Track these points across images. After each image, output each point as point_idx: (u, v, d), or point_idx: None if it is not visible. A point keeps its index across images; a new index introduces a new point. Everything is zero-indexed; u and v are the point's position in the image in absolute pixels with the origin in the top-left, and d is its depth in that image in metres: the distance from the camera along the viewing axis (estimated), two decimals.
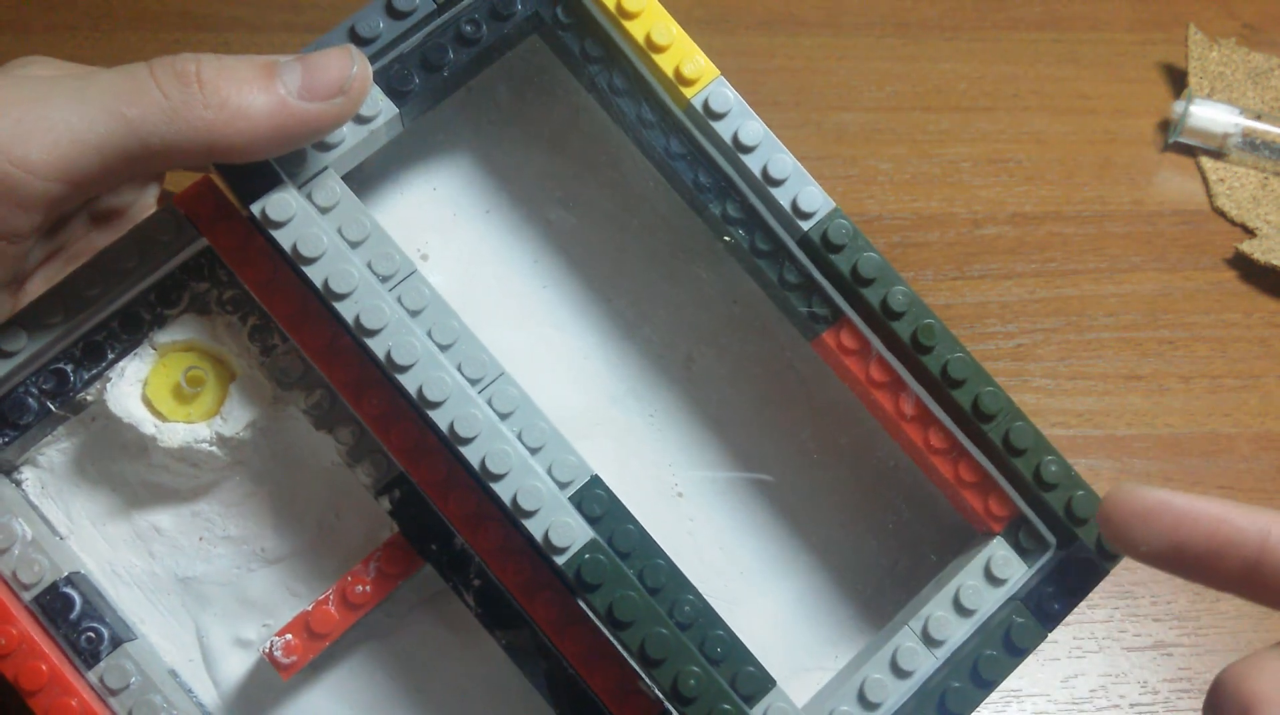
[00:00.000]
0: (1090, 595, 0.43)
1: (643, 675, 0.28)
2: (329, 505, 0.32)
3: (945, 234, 0.53)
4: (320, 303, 0.30)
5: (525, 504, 0.28)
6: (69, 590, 0.28)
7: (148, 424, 0.30)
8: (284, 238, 0.29)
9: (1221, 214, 0.55)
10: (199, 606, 0.31)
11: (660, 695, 0.28)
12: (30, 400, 0.29)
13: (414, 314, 0.29)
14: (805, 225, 0.31)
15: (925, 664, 0.28)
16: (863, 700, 0.28)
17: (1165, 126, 0.58)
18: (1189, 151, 0.57)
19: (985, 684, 0.28)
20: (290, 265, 0.30)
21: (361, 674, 0.31)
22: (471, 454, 0.28)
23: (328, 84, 0.28)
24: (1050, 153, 0.56)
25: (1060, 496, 0.30)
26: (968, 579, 0.29)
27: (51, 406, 0.29)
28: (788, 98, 0.55)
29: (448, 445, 0.30)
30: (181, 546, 0.31)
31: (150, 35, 0.53)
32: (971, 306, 0.51)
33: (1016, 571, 0.30)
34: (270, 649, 0.29)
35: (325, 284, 0.29)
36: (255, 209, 0.29)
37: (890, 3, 0.59)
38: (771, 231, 0.32)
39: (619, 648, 0.28)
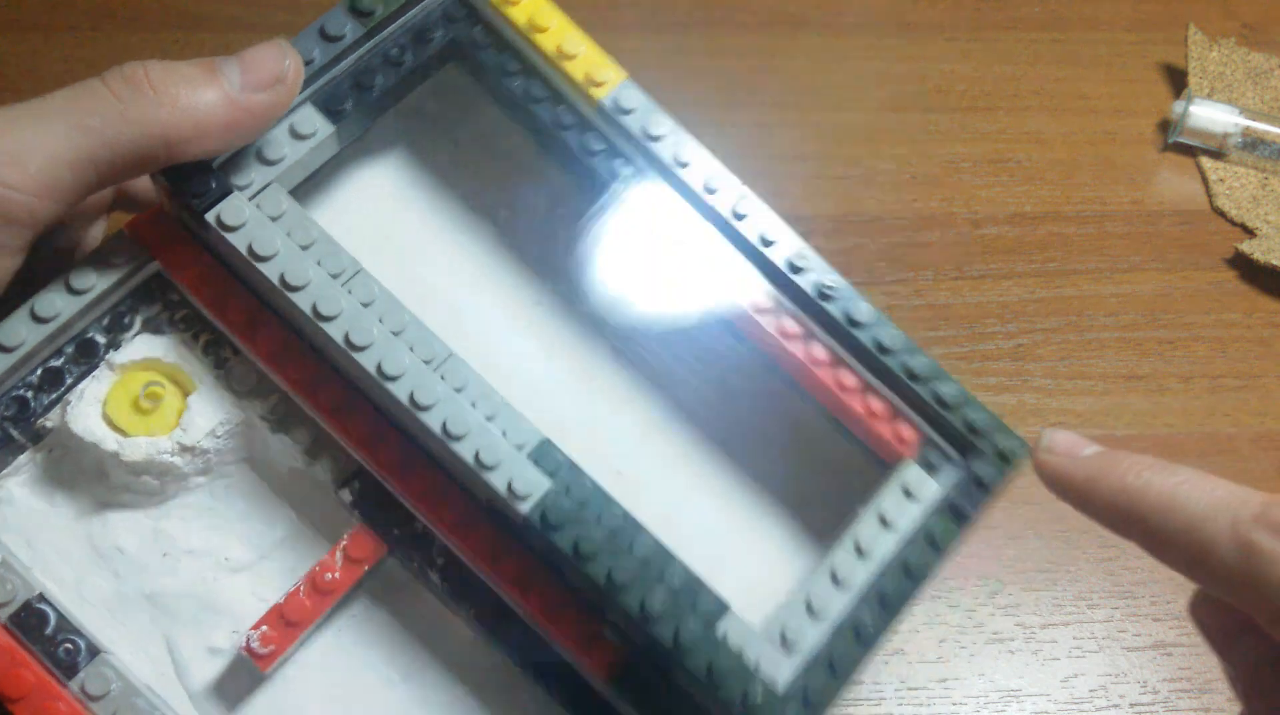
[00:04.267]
0: (1090, 595, 0.43)
1: (608, 615, 0.30)
2: (291, 509, 0.33)
3: (945, 234, 0.53)
4: (269, 310, 0.32)
5: (487, 460, 0.30)
6: (43, 606, 0.29)
7: (109, 441, 0.31)
8: (239, 239, 0.30)
9: (1221, 214, 0.55)
10: (168, 621, 0.31)
11: (624, 630, 0.30)
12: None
13: (365, 306, 0.31)
14: (714, 202, 0.34)
15: (861, 573, 0.31)
16: (810, 611, 0.30)
17: (1165, 126, 0.58)
18: (1189, 151, 0.57)
19: (915, 577, 0.31)
20: (239, 276, 0.32)
21: (338, 661, 0.32)
22: (432, 419, 0.30)
23: (266, 76, 0.30)
24: (1050, 153, 0.56)
25: (958, 416, 0.33)
26: (887, 499, 0.32)
27: (14, 433, 0.31)
28: (788, 98, 0.55)
29: (402, 428, 0.31)
30: (146, 565, 0.31)
31: (150, 35, 0.53)
32: (971, 306, 0.51)
33: (929, 487, 0.32)
34: (247, 642, 0.30)
35: (281, 278, 0.30)
36: (211, 216, 0.31)
37: (890, 3, 0.60)
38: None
39: (586, 581, 0.29)
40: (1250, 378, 0.50)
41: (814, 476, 0.35)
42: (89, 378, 0.31)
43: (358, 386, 0.31)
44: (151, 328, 0.32)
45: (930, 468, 0.33)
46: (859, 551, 0.31)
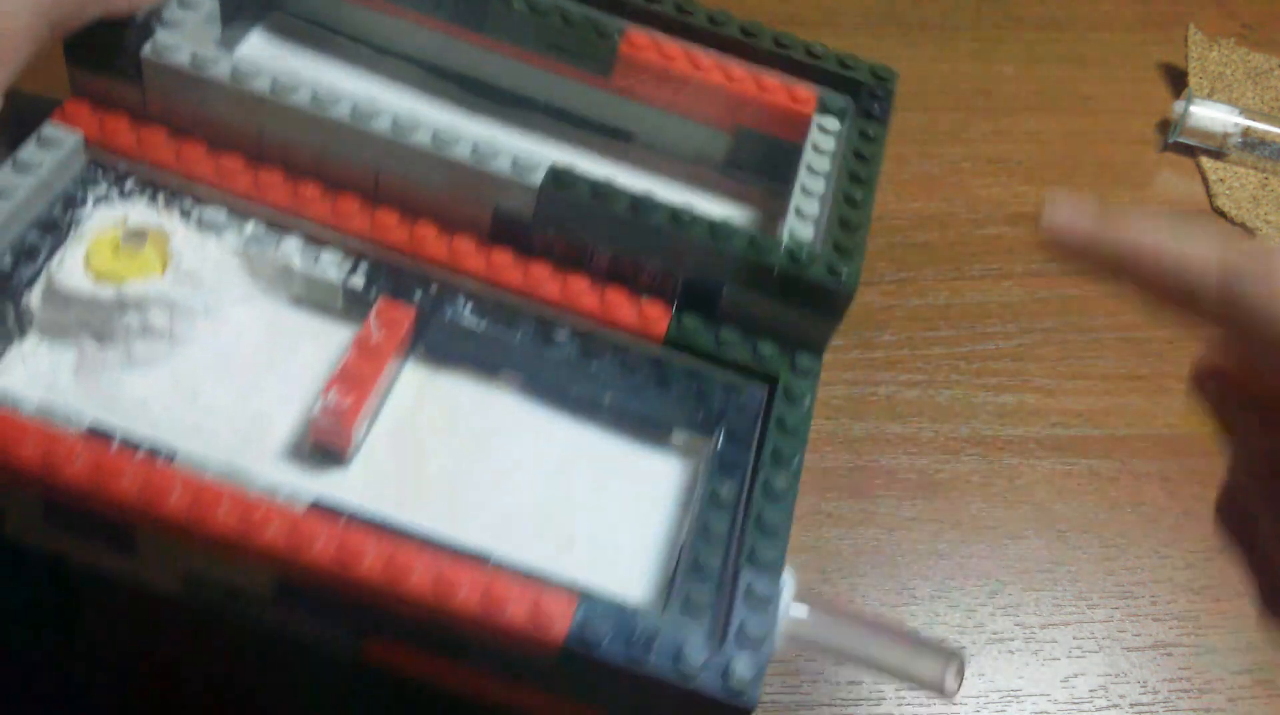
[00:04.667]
0: (1090, 595, 0.43)
1: (644, 250, 0.32)
2: (303, 326, 0.33)
3: (945, 234, 0.53)
4: (216, 146, 0.33)
5: (485, 149, 0.32)
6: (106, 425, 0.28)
7: (106, 291, 0.31)
8: (199, 68, 0.32)
9: (1221, 214, 0.55)
10: (221, 445, 0.30)
11: (661, 227, 0.32)
12: None
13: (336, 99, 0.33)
14: None
15: (820, 184, 0.36)
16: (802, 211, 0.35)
17: (1165, 126, 0.58)
18: (1189, 151, 0.57)
19: (871, 162, 0.36)
20: (177, 124, 0.33)
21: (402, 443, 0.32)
22: (461, 151, 0.31)
23: None
24: (1050, 153, 0.56)
25: (830, 60, 0.38)
26: (810, 149, 0.36)
27: (3, 305, 0.30)
28: None
29: (393, 196, 0.33)
30: (176, 409, 0.31)
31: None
32: (971, 306, 0.51)
33: (838, 126, 0.37)
34: (323, 406, 0.29)
35: (274, 82, 0.32)
36: (151, 51, 0.32)
37: (890, 3, 0.60)
38: None
39: (611, 213, 0.31)
40: None
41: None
42: (60, 249, 0.31)
43: (338, 182, 0.33)
44: (105, 203, 0.33)
45: (840, 113, 0.38)
46: (806, 192, 0.35)
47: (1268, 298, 0.23)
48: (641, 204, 0.32)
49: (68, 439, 0.26)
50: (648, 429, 0.33)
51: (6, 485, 0.27)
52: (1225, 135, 0.56)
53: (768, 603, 0.27)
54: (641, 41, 0.37)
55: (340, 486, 0.30)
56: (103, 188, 0.33)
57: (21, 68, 0.30)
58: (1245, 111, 0.56)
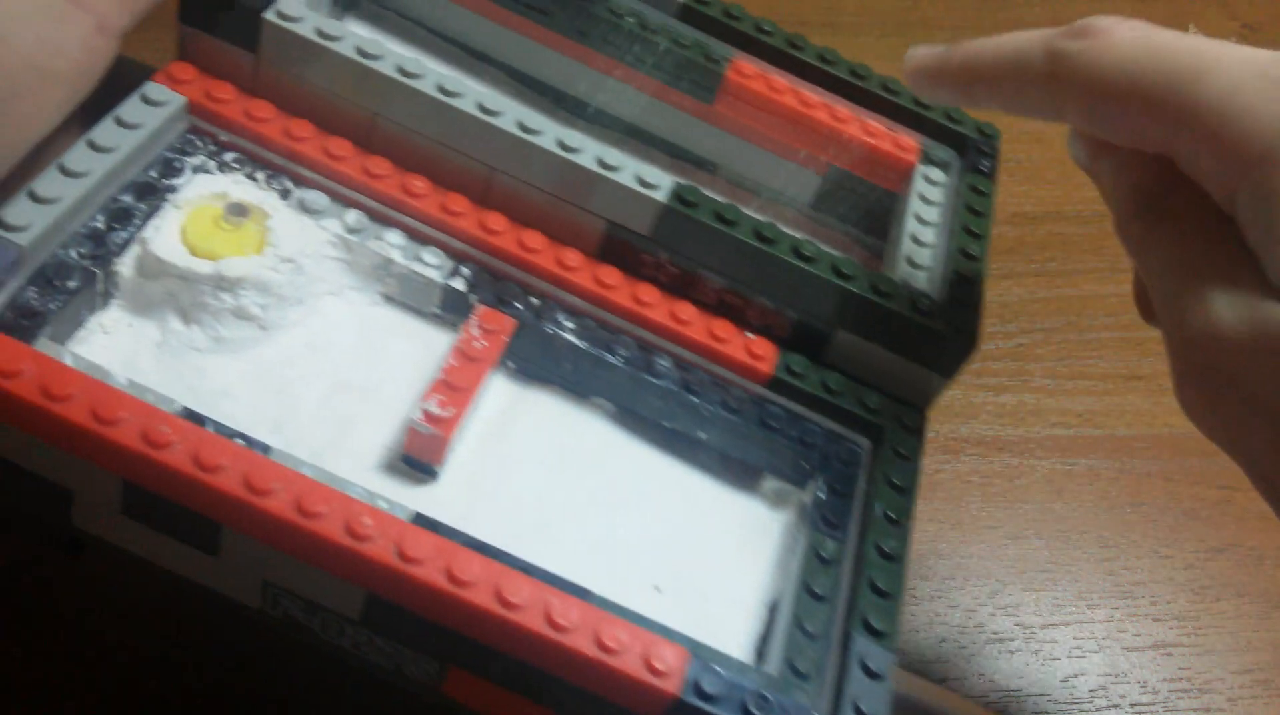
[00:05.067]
0: (1090, 595, 0.43)
1: (758, 289, 0.32)
2: (400, 324, 0.31)
3: None
4: (325, 128, 0.31)
5: (610, 160, 0.30)
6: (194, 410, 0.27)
7: (204, 265, 0.29)
8: (310, 31, 0.30)
9: None
10: (306, 446, 0.28)
11: (783, 260, 0.31)
12: (71, 262, 0.28)
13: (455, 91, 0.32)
14: None
15: (931, 233, 0.35)
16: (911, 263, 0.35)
17: None
18: None
19: (982, 214, 0.36)
20: (288, 98, 0.31)
21: (494, 452, 0.30)
22: (585, 158, 0.31)
23: None
24: (1050, 153, 0.56)
25: (938, 112, 0.37)
26: (916, 199, 0.36)
27: (94, 269, 0.28)
28: None
29: (509, 199, 0.32)
30: (260, 404, 0.29)
31: (149, 36, 0.53)
32: None
33: (944, 178, 0.37)
34: (423, 414, 0.28)
35: (399, 68, 0.31)
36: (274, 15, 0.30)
37: (890, 3, 0.60)
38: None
39: (734, 255, 0.31)
40: None
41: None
42: (155, 217, 0.29)
43: (448, 179, 0.31)
44: (203, 174, 0.31)
45: (944, 166, 0.37)
46: (917, 241, 0.35)
47: (1090, 50, 0.26)
48: (766, 232, 0.31)
49: (165, 418, 0.24)
50: (738, 472, 0.32)
51: (89, 462, 0.24)
52: None
53: (883, 678, 0.26)
54: (749, 71, 0.37)
55: (429, 501, 0.28)
56: (201, 158, 0.31)
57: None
58: None
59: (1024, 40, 0.28)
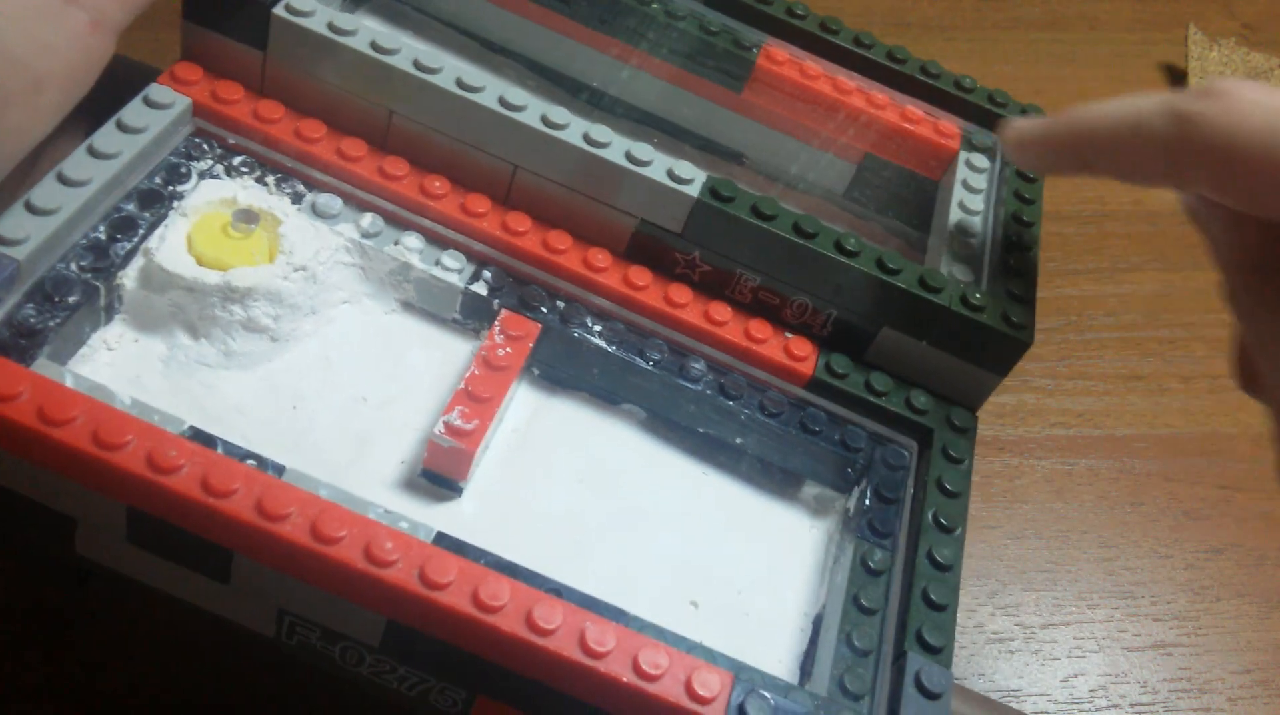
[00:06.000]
0: (1090, 595, 0.43)
1: (797, 287, 0.30)
2: (417, 332, 0.30)
3: None
4: (335, 128, 0.30)
5: (640, 155, 0.29)
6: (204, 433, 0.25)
7: (211, 276, 0.27)
8: (321, 25, 0.29)
9: None
10: (325, 465, 0.27)
11: (824, 255, 0.30)
12: (71, 276, 0.26)
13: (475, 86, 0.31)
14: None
15: (978, 222, 0.34)
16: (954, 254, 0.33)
17: None
18: None
19: (1031, 202, 0.34)
20: (297, 98, 0.30)
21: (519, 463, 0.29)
22: (613, 153, 0.29)
23: None
24: None
25: (980, 95, 0.36)
26: (960, 187, 0.34)
27: (96, 283, 0.27)
28: None
29: (530, 197, 0.30)
30: (275, 420, 0.27)
31: (150, 35, 0.53)
32: None
33: (988, 164, 0.36)
34: (445, 427, 0.27)
35: (416, 62, 0.29)
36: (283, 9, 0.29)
37: (890, 3, 0.59)
38: None
39: (769, 250, 0.29)
40: None
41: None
42: (161, 226, 0.28)
43: (468, 178, 0.30)
44: (210, 179, 0.29)
45: (988, 152, 0.36)
46: (963, 231, 0.33)
47: (1219, 115, 0.25)
48: (806, 225, 0.29)
49: (172, 440, 0.23)
50: (778, 479, 0.31)
51: (92, 489, 0.23)
52: None
53: (940, 697, 0.24)
54: (780, 57, 0.35)
55: (453, 518, 0.27)
56: (208, 162, 0.30)
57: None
58: None
59: (1143, 103, 0.26)
